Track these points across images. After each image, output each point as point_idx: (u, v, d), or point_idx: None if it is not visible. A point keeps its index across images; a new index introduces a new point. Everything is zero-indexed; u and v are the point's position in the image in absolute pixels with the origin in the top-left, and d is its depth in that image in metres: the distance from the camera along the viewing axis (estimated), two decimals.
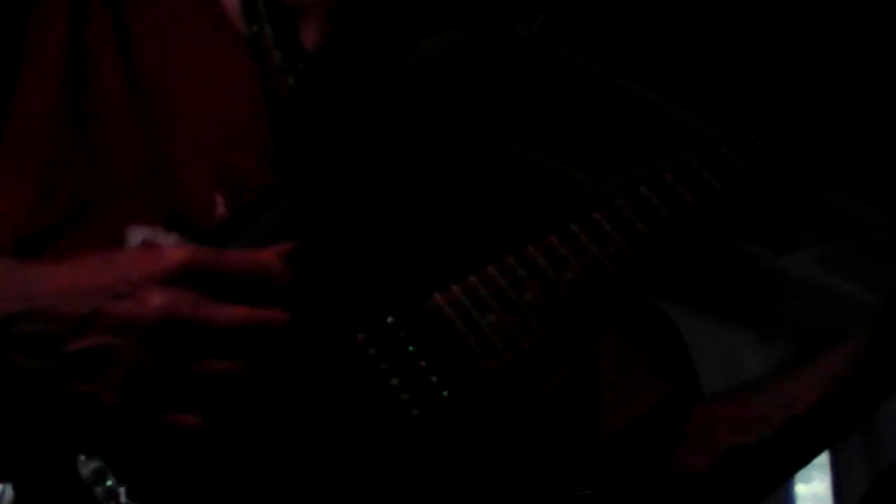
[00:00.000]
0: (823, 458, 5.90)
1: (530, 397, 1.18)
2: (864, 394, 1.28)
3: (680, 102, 4.42)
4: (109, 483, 0.99)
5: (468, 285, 1.13)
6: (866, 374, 1.26)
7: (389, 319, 1.12)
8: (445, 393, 1.11)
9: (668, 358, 1.36)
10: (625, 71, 4.22)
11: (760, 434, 1.29)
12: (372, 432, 1.09)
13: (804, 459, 1.34)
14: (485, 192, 1.33)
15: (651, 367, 1.38)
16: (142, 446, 1.01)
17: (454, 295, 1.13)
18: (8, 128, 1.13)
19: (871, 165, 1.20)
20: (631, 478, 1.20)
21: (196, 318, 0.99)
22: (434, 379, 1.11)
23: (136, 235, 1.13)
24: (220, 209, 1.15)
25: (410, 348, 1.11)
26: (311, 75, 1.26)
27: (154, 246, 1.05)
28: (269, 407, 1.06)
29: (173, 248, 1.02)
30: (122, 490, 0.99)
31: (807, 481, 6.11)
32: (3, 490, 0.98)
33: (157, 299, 0.98)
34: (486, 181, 1.36)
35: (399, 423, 1.09)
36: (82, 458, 1.00)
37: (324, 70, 1.27)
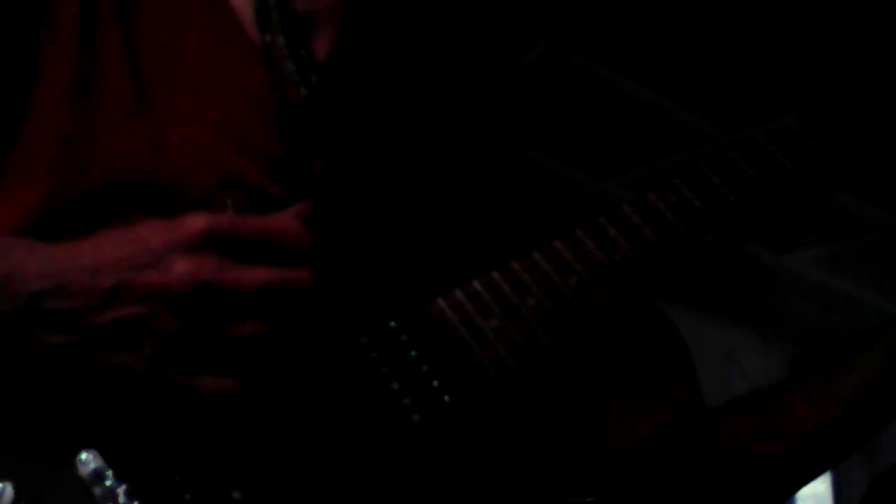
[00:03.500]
0: None
1: (532, 402, 1.18)
2: (889, 403, 1.29)
3: (680, 102, 4.42)
4: (108, 483, 0.99)
5: (471, 290, 1.12)
6: (892, 384, 1.28)
7: (392, 323, 1.11)
8: (447, 398, 1.10)
9: (669, 358, 1.35)
10: (625, 71, 4.22)
11: (787, 444, 1.30)
12: (372, 436, 1.08)
13: (825, 468, 1.35)
14: (489, 195, 1.33)
15: (667, 376, 1.38)
16: (166, 422, 1.02)
17: (457, 299, 1.12)
18: (21, 134, 1.14)
19: (874, 165, 1.20)
20: (636, 486, 1.19)
21: (221, 281, 0.99)
22: (436, 383, 1.10)
23: None
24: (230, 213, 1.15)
25: (412, 352, 1.11)
26: (323, 87, 1.26)
27: (172, 217, 1.04)
28: (292, 386, 1.06)
29: (192, 216, 1.02)
30: (120, 490, 1.00)
31: None
32: (3, 489, 0.98)
33: (181, 266, 0.99)
34: (490, 184, 1.35)
35: (400, 428, 1.09)
36: (82, 457, 1.00)
37: (335, 82, 1.26)
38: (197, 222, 1.01)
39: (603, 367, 1.35)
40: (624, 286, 1.13)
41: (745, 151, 1.17)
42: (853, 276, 5.69)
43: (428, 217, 1.21)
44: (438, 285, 1.13)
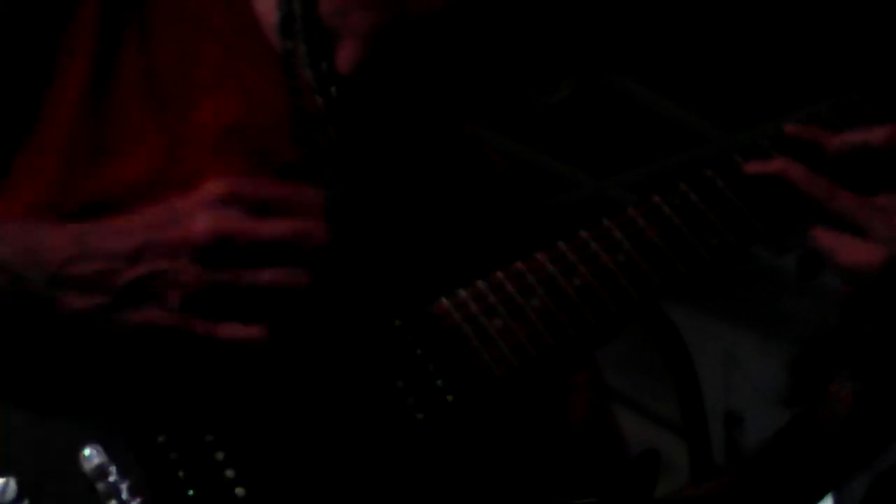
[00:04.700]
0: None
1: (536, 403, 1.18)
2: None
3: (680, 102, 4.42)
4: (112, 479, 1.00)
5: (476, 290, 1.13)
6: None
7: (397, 322, 1.12)
8: (451, 397, 1.11)
9: (668, 358, 1.36)
10: (625, 71, 4.22)
11: None
12: (376, 435, 1.08)
13: None
14: (493, 198, 1.34)
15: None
16: (193, 374, 1.04)
17: (462, 300, 1.13)
18: (35, 128, 1.15)
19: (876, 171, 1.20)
20: (635, 490, 1.19)
21: (240, 232, 1.02)
22: (440, 383, 1.11)
23: None
24: None
25: (417, 351, 1.11)
26: (341, 98, 1.26)
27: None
28: (295, 385, 1.08)
29: (212, 181, 1.05)
30: (124, 486, 1.00)
31: None
32: (6, 484, 0.98)
33: (203, 220, 1.02)
34: (495, 187, 1.36)
35: (403, 427, 1.09)
36: (86, 452, 1.00)
37: (354, 95, 1.27)
38: (217, 184, 1.04)
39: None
40: (628, 288, 1.14)
41: (749, 155, 1.18)
42: None
43: (433, 218, 1.22)
44: (443, 285, 1.13)
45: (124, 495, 1.00)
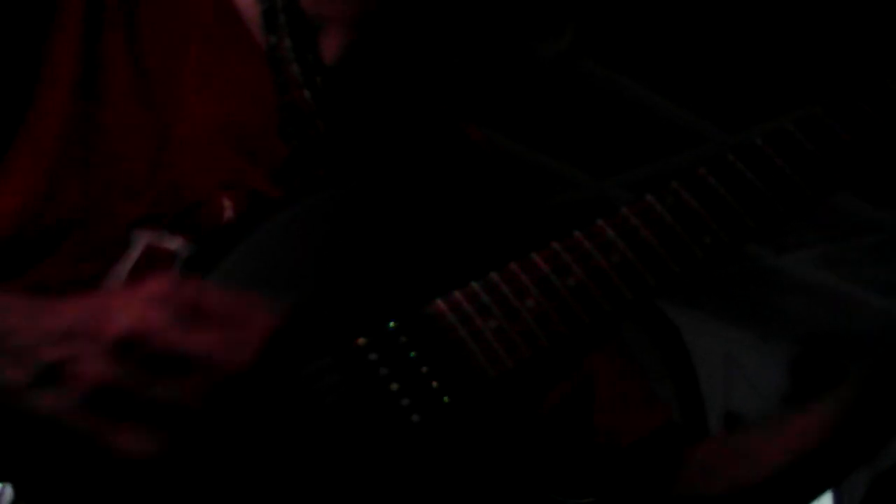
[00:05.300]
0: None
1: (531, 404, 1.18)
2: (856, 443, 1.29)
3: (680, 102, 4.42)
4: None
5: (470, 291, 1.13)
6: (857, 426, 1.27)
7: (391, 324, 1.12)
8: (446, 399, 1.11)
9: (668, 358, 1.36)
10: (625, 71, 4.22)
11: (763, 473, 1.30)
12: (372, 438, 1.08)
13: (804, 498, 1.35)
14: (487, 197, 1.33)
15: (648, 392, 1.40)
16: (83, 473, 0.98)
17: (456, 301, 1.12)
18: (24, 129, 1.14)
19: (873, 168, 1.20)
20: (632, 489, 1.20)
21: (162, 339, 0.95)
22: (435, 384, 1.11)
23: (141, 237, 1.13)
24: (229, 213, 1.15)
25: (412, 354, 1.11)
26: (328, 90, 1.25)
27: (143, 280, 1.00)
28: (291, 388, 1.05)
29: (157, 277, 0.99)
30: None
31: None
32: (3, 490, 0.98)
33: (125, 317, 0.95)
34: (489, 187, 1.36)
35: (399, 429, 1.09)
36: None
37: (341, 85, 1.26)
38: (159, 283, 0.98)
39: (588, 377, 1.36)
40: (622, 287, 1.13)
41: (743, 154, 1.18)
42: (853, 276, 5.70)
43: (427, 219, 1.22)
44: (438, 286, 1.13)
45: None
